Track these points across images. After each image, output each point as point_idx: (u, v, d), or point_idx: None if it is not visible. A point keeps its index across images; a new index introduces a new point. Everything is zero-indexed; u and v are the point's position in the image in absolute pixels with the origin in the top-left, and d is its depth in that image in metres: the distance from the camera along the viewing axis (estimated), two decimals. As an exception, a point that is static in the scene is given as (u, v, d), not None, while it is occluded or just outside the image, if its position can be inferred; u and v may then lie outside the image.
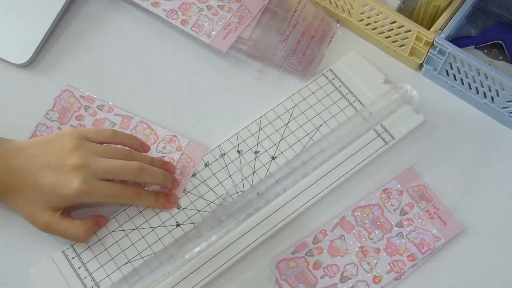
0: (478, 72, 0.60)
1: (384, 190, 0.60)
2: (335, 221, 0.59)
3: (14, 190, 0.54)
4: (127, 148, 0.58)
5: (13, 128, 0.62)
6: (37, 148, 0.55)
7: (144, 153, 0.60)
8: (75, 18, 0.71)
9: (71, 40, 0.69)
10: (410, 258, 0.57)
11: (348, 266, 0.57)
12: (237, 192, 0.60)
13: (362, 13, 0.66)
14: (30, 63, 0.67)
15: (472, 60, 0.60)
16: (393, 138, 0.63)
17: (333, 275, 0.56)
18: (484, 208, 0.60)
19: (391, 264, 0.57)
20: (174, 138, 0.62)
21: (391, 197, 0.60)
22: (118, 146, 0.58)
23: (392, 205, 0.59)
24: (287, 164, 0.61)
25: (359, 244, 0.58)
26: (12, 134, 0.58)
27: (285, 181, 0.61)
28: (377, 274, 0.57)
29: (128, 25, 0.70)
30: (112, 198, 0.56)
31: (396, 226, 0.59)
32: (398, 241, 0.58)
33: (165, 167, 0.60)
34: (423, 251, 0.57)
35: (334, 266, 0.57)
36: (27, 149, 0.55)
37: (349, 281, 0.56)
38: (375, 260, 0.57)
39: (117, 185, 0.56)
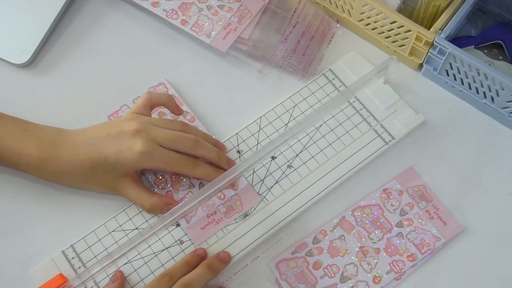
0: (478, 72, 0.60)
1: (384, 190, 0.60)
2: (335, 221, 0.59)
3: (80, 166, 0.56)
4: (182, 121, 0.61)
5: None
6: (97, 126, 0.58)
7: (199, 130, 0.61)
8: (75, 18, 0.71)
9: (71, 40, 0.69)
10: (410, 258, 0.57)
11: (348, 266, 0.57)
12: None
13: (362, 13, 0.66)
14: (30, 63, 0.67)
15: (472, 60, 0.60)
16: (393, 138, 0.63)
17: (333, 275, 0.56)
18: (484, 208, 0.60)
19: (391, 264, 0.57)
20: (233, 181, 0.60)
21: (391, 197, 0.60)
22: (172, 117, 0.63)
23: (392, 205, 0.59)
24: (287, 163, 0.61)
25: (359, 244, 0.58)
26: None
27: (285, 181, 0.61)
28: (377, 274, 0.57)
29: (128, 25, 0.70)
30: (171, 166, 0.57)
31: (396, 226, 0.59)
32: (398, 241, 0.58)
33: (218, 145, 0.61)
34: (423, 251, 0.57)
35: (334, 266, 0.57)
36: (88, 129, 0.58)
37: (349, 281, 0.56)
38: (375, 260, 0.57)
39: (176, 154, 0.57)
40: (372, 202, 0.60)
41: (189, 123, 0.61)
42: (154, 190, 0.60)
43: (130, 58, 0.68)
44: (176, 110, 0.61)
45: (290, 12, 0.69)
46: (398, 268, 0.57)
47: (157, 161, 0.56)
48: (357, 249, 0.58)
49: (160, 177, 0.60)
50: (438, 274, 0.57)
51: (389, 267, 0.57)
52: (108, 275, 0.57)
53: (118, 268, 0.57)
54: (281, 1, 0.69)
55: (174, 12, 0.68)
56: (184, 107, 0.64)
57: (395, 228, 0.58)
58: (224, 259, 0.56)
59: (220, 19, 0.67)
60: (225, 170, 0.59)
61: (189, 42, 0.69)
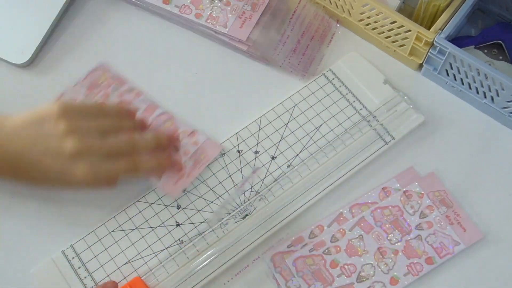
0: (478, 72, 0.60)
1: (383, 188, 0.60)
2: (332, 217, 0.59)
3: (23, 172, 0.55)
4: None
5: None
6: (31, 130, 0.54)
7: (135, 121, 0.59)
8: (75, 18, 0.71)
9: (71, 40, 0.69)
10: (429, 261, 0.57)
11: (365, 266, 0.56)
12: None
13: (362, 13, 0.66)
14: (30, 63, 0.67)
15: (472, 60, 0.60)
16: (393, 138, 0.63)
17: (350, 274, 0.56)
18: (484, 208, 0.60)
19: (409, 267, 0.56)
20: (192, 134, 0.62)
21: (411, 199, 0.59)
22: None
23: (412, 207, 0.59)
24: (287, 164, 0.62)
25: (377, 245, 0.57)
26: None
27: (286, 181, 0.61)
28: (394, 276, 0.56)
29: (128, 25, 0.70)
30: (116, 179, 0.55)
31: (416, 228, 0.58)
32: (416, 244, 0.57)
33: (156, 134, 0.60)
34: (442, 255, 0.57)
35: (352, 265, 0.56)
36: (21, 131, 0.54)
37: (366, 281, 0.56)
38: (393, 262, 0.57)
39: (117, 167, 0.54)
40: (371, 200, 0.60)
41: (122, 116, 0.59)
42: None
43: (130, 58, 0.68)
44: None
45: (290, 12, 0.69)
46: (415, 270, 0.56)
47: (103, 182, 0.54)
48: (375, 250, 0.57)
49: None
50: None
51: (406, 269, 0.56)
52: (118, 267, 0.57)
53: (118, 268, 0.57)
54: (281, 1, 0.69)
55: (187, 7, 0.67)
56: (127, 85, 0.64)
57: (414, 230, 0.58)
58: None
59: (233, 8, 0.67)
60: (169, 144, 0.60)
61: (189, 43, 0.69)
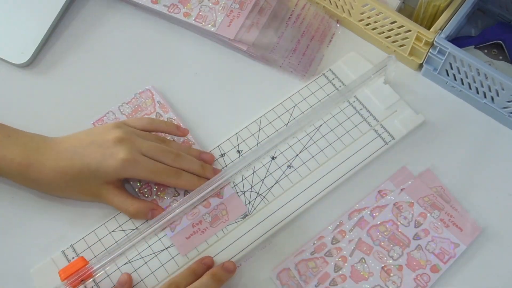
0: (478, 72, 0.60)
1: (379, 192, 0.60)
2: (334, 223, 0.59)
3: (61, 173, 0.56)
4: (164, 137, 0.61)
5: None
6: (81, 134, 0.58)
7: (181, 144, 0.61)
8: (75, 18, 0.71)
9: (71, 40, 0.69)
10: (434, 270, 0.56)
11: None
12: (237, 192, 0.60)
13: (362, 13, 0.66)
14: (30, 63, 0.67)
15: (472, 60, 0.60)
16: (393, 138, 0.63)
17: None
18: (483, 208, 0.60)
19: (416, 279, 0.56)
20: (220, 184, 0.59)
21: (403, 210, 0.58)
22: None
23: (405, 218, 0.58)
24: (287, 163, 0.62)
25: (381, 264, 0.56)
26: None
27: (285, 180, 0.61)
28: None
29: (128, 25, 0.70)
30: (154, 175, 0.56)
31: (413, 239, 0.57)
32: (418, 254, 0.56)
33: (203, 156, 0.61)
34: (444, 260, 0.56)
35: None
36: (72, 136, 0.58)
37: None
38: (399, 278, 0.56)
39: (159, 163, 0.57)
40: (370, 204, 0.59)
41: (172, 140, 0.61)
42: (139, 198, 0.60)
43: (131, 58, 0.69)
44: (179, 131, 0.61)
45: (289, 12, 0.69)
46: (423, 282, 0.56)
47: (140, 170, 0.56)
48: (380, 270, 0.56)
49: (145, 186, 0.60)
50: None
51: (414, 283, 0.55)
52: (118, 267, 0.57)
53: (118, 268, 0.57)
54: (281, 1, 0.69)
55: (175, 6, 0.67)
56: (169, 114, 0.64)
57: (413, 241, 0.57)
58: (229, 268, 0.55)
59: (222, 7, 0.67)
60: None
61: (189, 43, 0.69)
